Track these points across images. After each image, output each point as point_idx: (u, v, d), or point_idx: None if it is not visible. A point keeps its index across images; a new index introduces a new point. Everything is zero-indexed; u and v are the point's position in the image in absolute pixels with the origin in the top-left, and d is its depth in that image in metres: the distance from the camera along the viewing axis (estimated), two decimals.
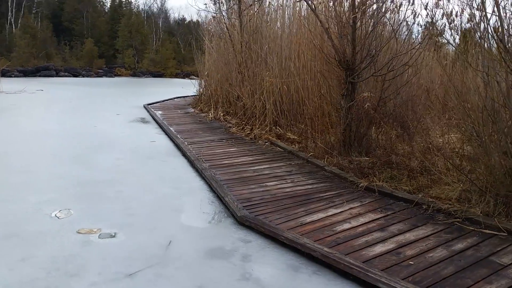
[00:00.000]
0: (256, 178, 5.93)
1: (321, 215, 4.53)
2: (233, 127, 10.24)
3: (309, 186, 5.58)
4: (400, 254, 3.57)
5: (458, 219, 4.28)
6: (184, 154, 7.54)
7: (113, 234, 4.00)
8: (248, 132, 9.36)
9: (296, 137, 8.27)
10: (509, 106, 4.34)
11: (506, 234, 3.90)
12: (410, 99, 7.11)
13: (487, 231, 3.98)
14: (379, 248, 3.69)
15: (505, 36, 4.40)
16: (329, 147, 7.05)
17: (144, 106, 14.73)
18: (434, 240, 3.86)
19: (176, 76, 38.10)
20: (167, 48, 40.57)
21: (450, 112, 7.62)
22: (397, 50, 6.31)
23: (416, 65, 6.82)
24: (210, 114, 12.30)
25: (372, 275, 3.14)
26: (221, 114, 11.77)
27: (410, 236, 3.96)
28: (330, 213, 4.58)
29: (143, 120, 11.91)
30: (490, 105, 4.55)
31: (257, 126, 9.27)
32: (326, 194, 5.26)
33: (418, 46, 6.95)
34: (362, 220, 4.39)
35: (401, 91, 6.91)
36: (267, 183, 5.68)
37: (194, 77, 20.98)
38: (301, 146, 7.76)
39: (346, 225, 4.24)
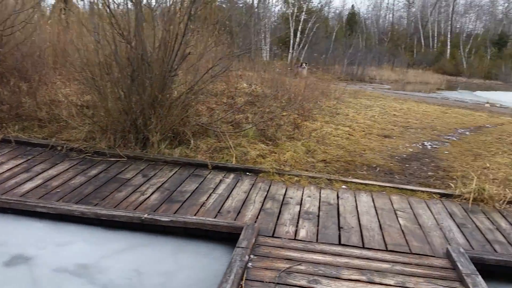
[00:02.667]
0: None
1: None
2: None
3: None
4: (48, 186, 4.37)
5: (89, 154, 5.43)
6: None
7: None
8: None
9: None
10: (117, 61, 5.73)
11: (126, 158, 5.39)
12: (30, 54, 7.42)
13: (112, 159, 5.34)
14: (29, 185, 4.34)
15: (111, 3, 5.67)
16: None
17: None
18: (73, 171, 4.85)
19: None
20: None
21: (69, 67, 8.42)
22: (15, 7, 6.46)
23: (36, 23, 7.16)
24: None
25: (30, 203, 3.82)
26: None
27: (52, 172, 4.78)
28: None
29: None
30: (104, 61, 5.80)
31: None
32: None
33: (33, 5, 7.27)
34: (6, 167, 4.79)
35: (22, 47, 7.10)
36: None
37: None
38: None
39: None
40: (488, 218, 4.31)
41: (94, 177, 4.73)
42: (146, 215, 3.66)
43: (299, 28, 29.44)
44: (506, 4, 61.24)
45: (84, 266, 3.12)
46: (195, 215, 3.85)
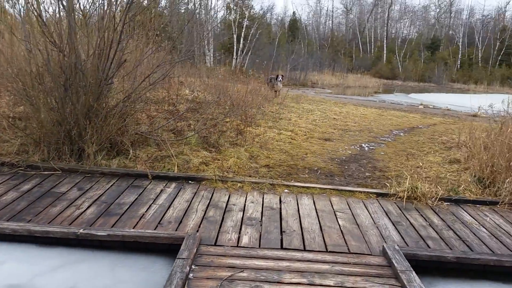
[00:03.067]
0: None
1: None
2: None
3: None
4: None
5: (21, 168, 5.11)
6: None
7: None
8: None
9: None
10: (50, 70, 5.45)
11: (60, 171, 5.13)
12: None
13: (46, 172, 5.06)
14: None
15: (42, 11, 5.40)
16: None
17: None
18: (4, 187, 4.54)
19: None
20: None
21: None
22: None
23: None
24: None
25: None
26: None
27: None
28: None
29: None
30: (36, 70, 5.49)
31: None
32: None
33: None
34: None
35: None
36: None
37: None
38: None
39: None
40: (422, 215, 4.55)
41: (27, 192, 4.45)
42: (82, 230, 3.50)
43: (242, 34, 29.67)
44: (438, 10, 65.63)
45: (16, 287, 2.92)
46: (134, 227, 3.73)
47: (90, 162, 5.34)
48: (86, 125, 5.50)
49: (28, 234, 3.46)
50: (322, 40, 61.97)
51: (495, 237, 4.08)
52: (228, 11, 31.71)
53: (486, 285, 3.44)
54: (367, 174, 6.09)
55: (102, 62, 5.74)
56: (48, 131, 5.56)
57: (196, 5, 29.00)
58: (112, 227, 3.71)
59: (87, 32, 5.79)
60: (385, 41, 58.90)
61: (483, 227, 4.34)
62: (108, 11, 5.96)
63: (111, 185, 4.81)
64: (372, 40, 62.03)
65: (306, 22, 68.03)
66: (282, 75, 15.46)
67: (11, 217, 3.80)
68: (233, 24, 30.11)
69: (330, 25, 70.18)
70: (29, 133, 5.67)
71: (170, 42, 9.03)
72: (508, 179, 5.29)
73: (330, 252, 3.50)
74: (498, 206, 5.01)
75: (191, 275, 2.96)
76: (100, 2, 6.44)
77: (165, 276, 2.96)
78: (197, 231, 3.70)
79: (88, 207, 4.14)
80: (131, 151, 5.78)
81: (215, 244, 3.50)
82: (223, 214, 4.15)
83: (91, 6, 6.22)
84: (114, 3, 6.25)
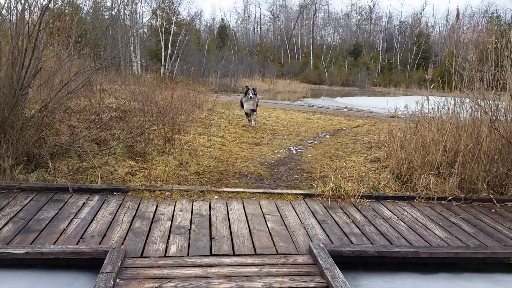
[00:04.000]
0: None
1: None
2: None
3: None
4: None
5: None
6: None
7: None
8: None
9: None
10: None
11: None
12: None
13: None
14: None
15: None
16: None
17: None
18: None
19: None
20: None
21: None
22: None
23: None
24: None
25: None
26: None
27: None
28: None
29: None
30: None
31: None
32: None
33: None
34: None
35: None
36: None
37: None
38: None
39: None
40: (345, 213, 4.77)
41: None
42: None
43: (170, 40, 29.24)
44: (359, 17, 69.53)
45: None
46: (54, 243, 3.50)
47: (7, 177, 4.95)
48: (1, 138, 5.09)
49: None
50: (251, 46, 62.97)
51: (412, 230, 4.38)
52: (154, 17, 31.11)
53: (405, 276, 3.67)
54: (295, 176, 6.27)
55: (17, 71, 5.36)
56: None
57: (121, 11, 28.07)
58: (31, 244, 3.46)
59: None
60: (311, 48, 61.29)
61: (402, 221, 4.64)
62: (22, 16, 5.58)
63: (30, 200, 4.49)
64: (300, 47, 64.25)
65: (235, 28, 68.83)
66: (254, 88, 10.66)
67: None
68: (160, 30, 29.57)
69: (259, 31, 71.60)
70: None
71: (91, 49, 8.66)
72: (424, 175, 5.72)
73: (258, 255, 3.54)
74: (415, 200, 5.38)
75: None
76: (13, 7, 6.04)
77: None
78: (122, 243, 3.56)
79: (5, 224, 3.83)
80: (50, 163, 5.43)
81: (141, 256, 3.39)
82: (150, 225, 4.03)
83: (3, 11, 5.81)
84: (28, 8, 5.88)
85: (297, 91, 35.27)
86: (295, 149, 8.25)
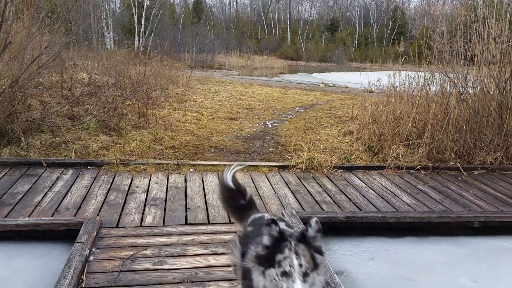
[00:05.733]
0: None
1: None
2: None
3: None
4: None
5: None
6: None
7: None
8: None
9: None
10: None
11: None
12: None
13: None
14: None
15: None
16: None
17: None
18: None
19: None
20: None
21: None
22: None
23: None
24: None
25: None
26: None
27: None
28: None
29: None
30: None
31: None
32: None
33: None
34: None
35: None
36: None
37: None
38: None
39: None
40: (318, 183, 4.90)
41: None
42: None
43: (143, 15, 28.48)
44: None
45: None
46: (29, 216, 3.51)
47: None
48: None
49: None
50: (227, 21, 61.99)
51: (381, 197, 4.56)
52: None
53: (373, 240, 3.85)
54: (270, 149, 6.36)
55: None
56: None
57: None
58: (5, 217, 3.46)
59: None
60: (288, 23, 60.79)
61: (371, 189, 4.81)
62: None
63: (3, 175, 4.45)
64: (277, 22, 63.60)
65: (210, 3, 67.36)
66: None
67: None
68: (132, 4, 28.73)
69: (235, 6, 70.42)
70: None
71: (61, 22, 8.37)
72: (394, 146, 5.90)
73: (232, 223, 3.63)
74: (385, 170, 5.57)
75: (91, 257, 2.89)
76: None
77: (64, 262, 2.86)
78: (98, 215, 3.60)
79: None
80: (23, 139, 5.35)
81: (117, 226, 3.44)
82: (126, 197, 4.07)
83: None
84: None
85: (274, 67, 35.10)
86: (270, 124, 8.33)
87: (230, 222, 3.64)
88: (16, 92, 5.73)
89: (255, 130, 7.64)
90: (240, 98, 11.56)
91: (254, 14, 67.09)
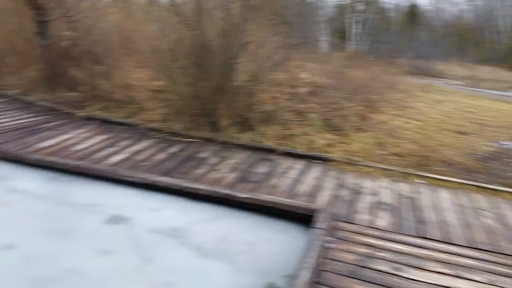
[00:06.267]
0: None
1: (54, 140, 4.98)
2: None
3: (30, 120, 5.74)
4: (133, 159, 4.64)
5: (166, 133, 5.65)
6: None
7: None
8: None
9: None
10: (183, 49, 5.81)
11: (199, 140, 5.53)
12: (100, 40, 7.74)
13: (187, 140, 5.52)
14: (116, 158, 4.63)
15: None
16: (32, 84, 6.97)
17: None
18: (154, 148, 5.08)
19: None
20: None
21: (137, 54, 8.75)
22: None
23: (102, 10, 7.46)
24: None
25: (121, 173, 4.09)
26: None
27: (136, 147, 5.06)
28: (62, 139, 5.07)
29: None
30: (170, 48, 5.95)
31: None
32: (50, 124, 5.62)
33: None
34: (93, 141, 5.15)
35: (92, 32, 7.44)
36: None
37: None
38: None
39: (83, 145, 4.93)
40: None
41: (173, 154, 4.93)
42: (225, 190, 3.83)
43: (357, 19, 28.59)
44: None
45: (176, 230, 3.36)
46: (269, 194, 3.89)
47: (225, 134, 5.67)
48: (218, 101, 5.83)
49: (180, 189, 3.87)
50: (446, 27, 56.91)
51: None
52: None
53: None
54: (510, 174, 5.48)
55: (228, 43, 5.97)
56: (186, 104, 6.03)
57: None
58: (250, 191, 3.93)
59: (211, 15, 6.05)
60: None
61: None
62: None
63: (244, 156, 5.07)
64: (504, 30, 55.05)
65: (427, 8, 63.02)
66: None
67: (163, 173, 4.27)
68: (348, 9, 29.14)
69: (455, 11, 64.00)
70: (170, 104, 6.20)
71: (286, 26, 9.05)
72: None
73: (475, 248, 3.23)
74: None
75: (330, 245, 3.00)
76: None
77: (302, 242, 3.06)
78: (330, 207, 3.72)
79: (227, 172, 4.46)
80: (259, 127, 5.98)
81: (348, 222, 3.48)
82: (354, 195, 4.09)
83: None
84: None
85: (501, 80, 30.53)
86: (507, 144, 7.20)
87: (472, 247, 3.25)
88: (252, 86, 6.44)
89: (489, 149, 6.72)
90: (468, 111, 10.39)
91: (477, 21, 59.71)
